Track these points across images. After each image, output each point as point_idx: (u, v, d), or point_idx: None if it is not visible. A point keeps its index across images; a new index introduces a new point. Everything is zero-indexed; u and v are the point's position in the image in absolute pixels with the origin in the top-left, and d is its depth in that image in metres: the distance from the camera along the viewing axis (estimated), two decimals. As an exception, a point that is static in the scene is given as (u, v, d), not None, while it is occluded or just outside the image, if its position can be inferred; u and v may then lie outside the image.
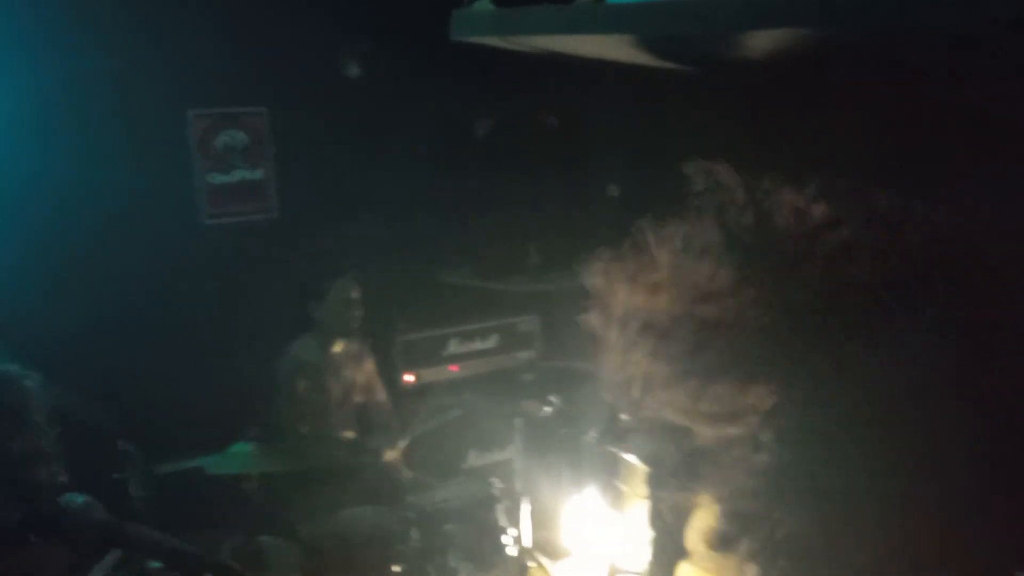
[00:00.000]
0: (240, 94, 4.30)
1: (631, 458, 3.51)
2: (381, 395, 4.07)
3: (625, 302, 1.05)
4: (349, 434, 3.86)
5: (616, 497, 4.02)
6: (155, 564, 1.33)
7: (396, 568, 3.03)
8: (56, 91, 3.82)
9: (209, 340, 4.07)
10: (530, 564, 3.95)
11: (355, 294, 3.71)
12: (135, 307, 3.90)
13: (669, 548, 3.84)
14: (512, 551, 3.36)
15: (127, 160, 3.93)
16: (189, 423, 3.59)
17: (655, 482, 3.79)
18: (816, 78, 3.32)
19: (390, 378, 4.26)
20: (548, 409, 3.92)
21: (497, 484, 3.39)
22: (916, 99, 3.03)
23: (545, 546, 4.35)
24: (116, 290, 3.86)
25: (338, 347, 3.79)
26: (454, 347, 4.55)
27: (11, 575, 1.15)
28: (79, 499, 1.22)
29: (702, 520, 3.63)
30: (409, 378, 4.41)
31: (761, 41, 2.26)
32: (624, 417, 3.47)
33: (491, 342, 4.64)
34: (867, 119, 3.22)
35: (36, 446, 1.16)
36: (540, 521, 4.31)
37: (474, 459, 4.50)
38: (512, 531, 3.38)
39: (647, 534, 3.56)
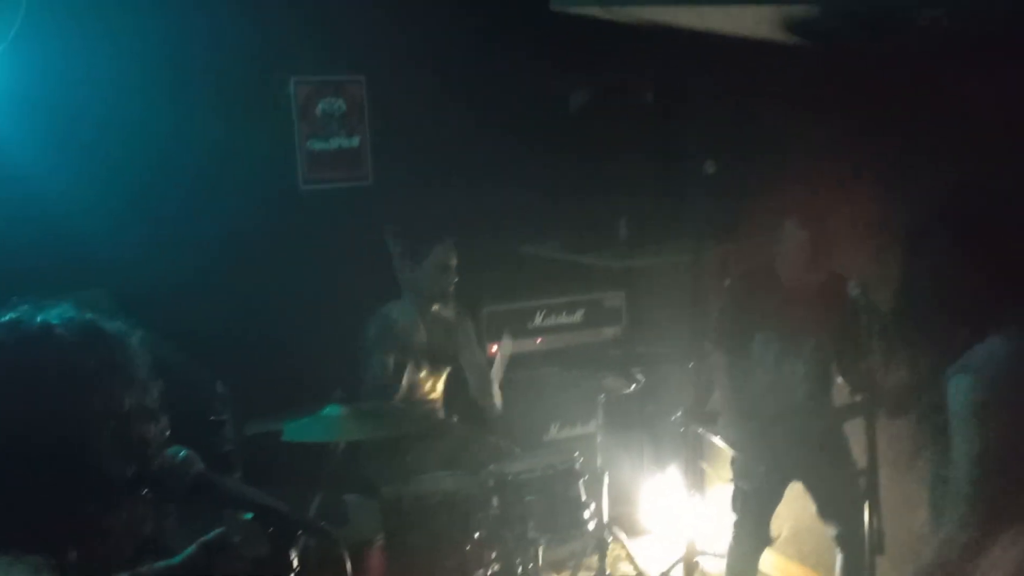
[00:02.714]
0: (340, 62, 4.36)
1: (717, 441, 3.49)
2: (479, 359, 4.08)
3: None
4: (435, 398, 3.91)
5: (698, 478, 3.99)
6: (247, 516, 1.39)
7: (476, 534, 3.07)
8: (167, 53, 3.94)
9: (303, 302, 4.18)
10: (608, 539, 3.96)
11: (453, 260, 3.74)
12: (233, 268, 4.02)
13: (752, 533, 3.80)
14: (591, 525, 3.37)
15: (232, 125, 4.04)
16: (281, 383, 3.71)
17: (741, 467, 3.74)
18: (934, 59, 3.17)
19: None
20: (633, 386, 3.90)
21: (579, 458, 3.40)
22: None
23: (624, 522, 4.35)
24: (215, 250, 3.98)
25: (433, 308, 3.83)
26: (539, 320, 4.56)
27: (119, 530, 1.20)
28: (181, 453, 1.27)
29: (784, 508, 3.56)
30: (495, 349, 4.43)
31: (885, 20, 2.16)
32: (716, 397, 3.40)
33: (577, 317, 4.62)
34: (978, 102, 3.07)
35: (144, 403, 1.20)
36: (620, 497, 4.32)
37: (556, 432, 4.51)
38: (592, 505, 3.39)
39: (729, 517, 3.53)
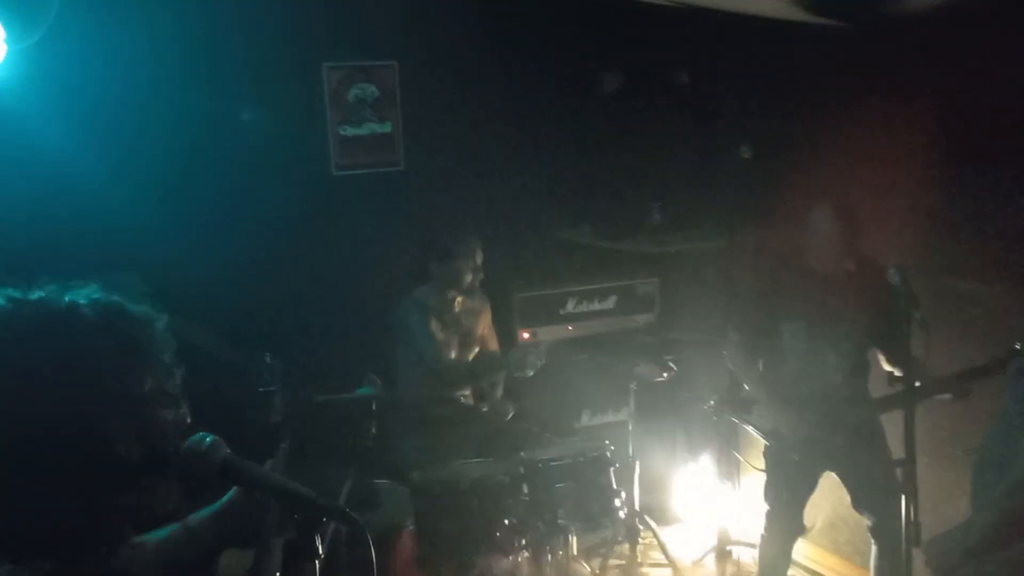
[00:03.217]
0: (372, 47, 4.35)
1: (751, 430, 3.44)
2: (494, 346, 4.08)
3: None
4: (462, 383, 3.91)
5: (731, 467, 3.95)
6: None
7: (506, 521, 3.06)
8: (201, 41, 3.95)
9: (334, 287, 4.19)
10: (639, 527, 3.94)
11: (478, 258, 3.73)
12: (265, 253, 4.04)
13: (785, 523, 3.76)
14: (622, 513, 3.35)
15: (264, 111, 4.05)
16: (312, 367, 3.72)
17: (775, 457, 3.70)
18: (964, 37, 3.08)
19: (507, 334, 4.28)
20: (665, 375, 3.86)
21: (610, 446, 3.37)
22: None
23: (655, 510, 4.33)
24: (248, 235, 4.01)
25: (459, 299, 3.83)
26: (572, 306, 4.53)
27: (132, 512, 1.21)
28: (207, 439, 1.27)
29: (819, 497, 3.51)
30: (526, 335, 4.42)
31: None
32: (747, 388, 3.37)
33: (609, 303, 4.58)
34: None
35: (164, 387, 1.21)
36: (652, 485, 4.29)
37: (588, 419, 4.49)
38: (623, 493, 3.37)
39: (763, 508, 3.49)
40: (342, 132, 4.35)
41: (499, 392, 4.03)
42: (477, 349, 3.96)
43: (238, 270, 3.94)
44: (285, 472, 2.21)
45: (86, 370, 1.14)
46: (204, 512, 1.48)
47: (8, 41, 3.32)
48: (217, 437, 1.28)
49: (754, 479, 3.69)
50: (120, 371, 1.16)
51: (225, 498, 1.48)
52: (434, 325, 3.70)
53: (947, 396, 2.93)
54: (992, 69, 3.08)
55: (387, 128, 4.43)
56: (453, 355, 3.81)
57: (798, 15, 2.78)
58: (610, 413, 4.51)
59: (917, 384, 2.71)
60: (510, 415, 3.96)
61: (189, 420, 1.24)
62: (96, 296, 1.19)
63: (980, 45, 3.07)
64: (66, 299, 1.18)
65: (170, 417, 1.20)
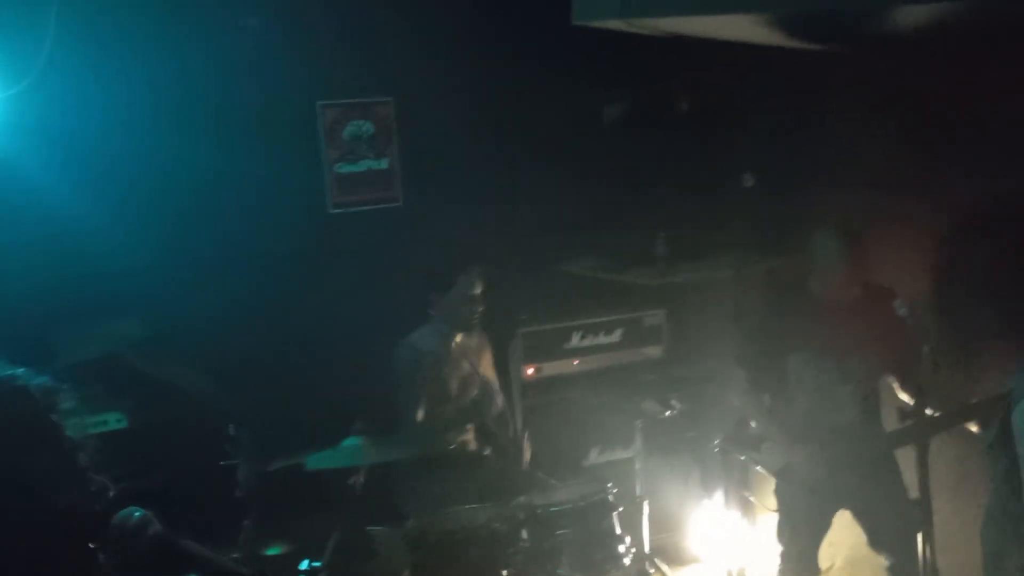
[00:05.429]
0: (367, 84, 4.31)
1: (761, 469, 3.31)
2: (495, 387, 3.98)
3: None
4: (464, 426, 3.80)
5: (744, 506, 3.81)
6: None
7: (504, 572, 2.94)
8: (194, 83, 3.93)
9: (333, 326, 4.12)
10: (651, 570, 3.80)
11: (478, 290, 3.65)
12: (263, 293, 3.99)
13: (802, 565, 3.59)
14: (627, 560, 3.21)
15: (261, 150, 4.02)
16: (310, 409, 3.65)
17: (789, 496, 3.54)
18: (965, 56, 2.99)
19: (511, 370, 4.18)
20: (668, 412, 3.74)
21: (612, 489, 3.25)
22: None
23: (670, 550, 4.18)
24: (245, 276, 3.95)
25: (457, 339, 3.74)
26: (577, 340, 4.42)
27: None
28: (136, 514, 1.19)
29: (839, 536, 3.34)
30: (530, 371, 4.32)
31: (907, 17, 2.02)
32: (754, 425, 3.23)
33: (616, 336, 4.47)
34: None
35: (63, 465, 1.12)
36: (665, 524, 4.15)
37: (596, 456, 4.37)
38: (628, 538, 3.24)
39: (777, 548, 3.35)
40: (338, 170, 4.30)
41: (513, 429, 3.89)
42: (477, 391, 3.85)
43: (237, 311, 3.89)
44: (259, 539, 2.13)
45: None
46: None
47: (-4, 89, 3.32)
48: (147, 513, 1.19)
49: (770, 517, 3.55)
50: (11, 452, 1.07)
51: None
52: (427, 373, 3.59)
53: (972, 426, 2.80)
54: (1002, 88, 2.98)
55: (384, 164, 4.38)
56: (451, 399, 3.71)
57: (780, 40, 2.70)
58: (620, 450, 4.39)
59: (930, 412, 2.59)
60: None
61: (111, 492, 1.15)
62: None
63: (984, 64, 2.98)
64: None
65: (70, 498, 1.11)
